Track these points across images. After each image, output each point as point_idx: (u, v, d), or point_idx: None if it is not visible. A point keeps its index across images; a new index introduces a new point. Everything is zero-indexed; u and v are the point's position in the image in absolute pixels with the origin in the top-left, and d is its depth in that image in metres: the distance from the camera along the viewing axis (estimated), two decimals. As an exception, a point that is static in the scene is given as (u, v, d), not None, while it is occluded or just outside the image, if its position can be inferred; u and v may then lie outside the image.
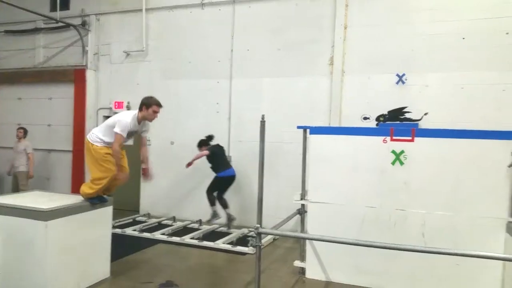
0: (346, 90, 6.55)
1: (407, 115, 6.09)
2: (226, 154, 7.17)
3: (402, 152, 4.29)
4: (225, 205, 6.56)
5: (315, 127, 4.81)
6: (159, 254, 5.46)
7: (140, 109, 4.60)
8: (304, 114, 6.65)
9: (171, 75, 7.73)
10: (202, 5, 7.46)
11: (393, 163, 4.33)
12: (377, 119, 6.27)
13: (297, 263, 4.80)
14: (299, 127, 4.94)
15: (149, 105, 4.57)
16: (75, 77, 8.48)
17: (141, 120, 4.57)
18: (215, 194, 6.54)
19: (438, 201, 4.17)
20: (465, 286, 4.12)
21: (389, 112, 6.20)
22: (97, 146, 4.46)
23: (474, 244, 3.97)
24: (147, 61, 7.95)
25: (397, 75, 6.15)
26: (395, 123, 6.07)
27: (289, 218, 4.61)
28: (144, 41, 7.88)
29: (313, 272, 4.65)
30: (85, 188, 4.39)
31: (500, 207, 4.01)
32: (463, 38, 5.80)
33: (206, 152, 6.52)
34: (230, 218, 6.55)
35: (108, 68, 8.33)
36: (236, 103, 7.24)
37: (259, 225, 3.44)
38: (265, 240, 5.97)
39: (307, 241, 4.70)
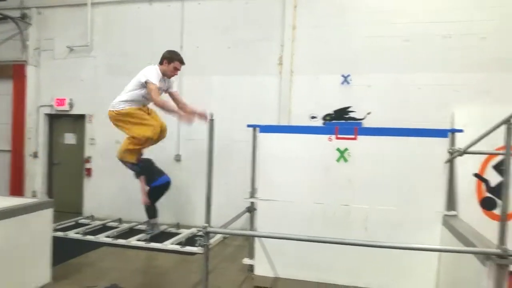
0: (295, 90, 6.66)
1: (351, 115, 6.31)
2: (177, 152, 7.09)
3: (346, 149, 4.44)
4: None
5: (265, 125, 4.84)
6: (104, 257, 5.27)
7: (161, 62, 4.33)
8: (254, 112, 6.69)
9: (118, 72, 7.49)
10: (150, 0, 7.30)
11: (338, 160, 4.47)
12: (324, 118, 6.44)
13: (246, 261, 4.82)
14: (249, 126, 4.96)
15: (171, 60, 4.32)
16: (14, 73, 7.99)
17: (162, 75, 4.37)
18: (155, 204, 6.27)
19: (380, 196, 4.34)
20: (404, 277, 4.32)
21: (335, 111, 6.39)
22: (120, 109, 4.39)
23: (413, 236, 4.17)
24: (92, 56, 7.66)
25: (343, 75, 6.36)
26: (341, 122, 6.27)
27: (239, 216, 4.61)
28: (89, 36, 7.58)
29: (261, 269, 4.69)
30: (127, 155, 4.67)
31: (437, 201, 4.24)
32: (406, 41, 6.10)
33: (143, 182, 6.02)
34: (154, 227, 6.26)
35: (51, 64, 7.93)
36: (185, 101, 7.13)
37: (207, 224, 3.41)
38: (215, 239, 5.94)
39: (256, 238, 4.73)
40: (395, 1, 6.22)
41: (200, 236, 3.43)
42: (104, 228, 6.64)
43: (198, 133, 6.82)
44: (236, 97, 6.88)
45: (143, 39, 7.34)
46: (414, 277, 4.30)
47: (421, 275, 4.27)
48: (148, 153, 6.68)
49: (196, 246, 5.25)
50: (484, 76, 5.81)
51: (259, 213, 4.71)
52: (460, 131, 4.19)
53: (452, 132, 4.21)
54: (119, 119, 4.63)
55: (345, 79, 6.35)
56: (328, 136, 4.51)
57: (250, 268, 4.78)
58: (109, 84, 7.39)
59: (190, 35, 7.12)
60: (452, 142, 4.18)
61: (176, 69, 4.40)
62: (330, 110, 6.46)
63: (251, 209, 4.85)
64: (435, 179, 4.22)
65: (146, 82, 4.23)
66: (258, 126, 4.85)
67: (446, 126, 5.64)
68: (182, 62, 4.37)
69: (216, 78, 7.00)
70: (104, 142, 7.49)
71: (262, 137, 4.74)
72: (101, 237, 5.99)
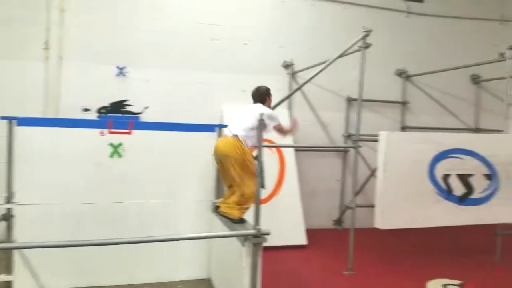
0: (65, 79, 6.03)
1: (128, 108, 6.15)
2: None
3: (120, 144, 4.29)
4: None
5: (24, 118, 4.19)
6: None
7: (265, 100, 4.34)
8: (15, 103, 5.71)
9: None
10: None
11: (111, 156, 4.27)
12: (99, 111, 6.07)
13: (2, 278, 4.10)
14: (3, 118, 4.21)
15: (270, 95, 4.41)
16: None
17: None
18: None
19: (155, 190, 4.38)
20: (181, 266, 4.50)
21: (111, 104, 6.10)
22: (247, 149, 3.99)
23: (186, 226, 4.39)
24: None
25: (118, 67, 6.11)
26: (117, 115, 6.04)
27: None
28: None
29: (23, 284, 4.07)
30: (237, 212, 3.96)
31: (207, 191, 4.57)
32: (179, 38, 6.31)
33: None
34: None
35: None
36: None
37: None
38: (-41, 256, 4.85)
39: (15, 250, 4.08)
40: (170, -3, 6.35)
41: None
42: None
43: None
44: (-10, 84, 5.75)
45: None
46: (189, 265, 4.53)
47: (194, 262, 4.54)
48: None
49: None
50: (246, 77, 6.52)
51: (19, 220, 4.07)
52: (225, 126, 4.61)
53: (219, 127, 4.60)
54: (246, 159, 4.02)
55: (121, 71, 6.12)
56: (100, 130, 4.27)
57: (8, 285, 4.10)
58: None
59: None
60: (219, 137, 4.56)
61: (271, 101, 4.49)
62: (106, 103, 6.13)
63: (7, 217, 4.14)
64: (204, 171, 4.53)
65: (274, 127, 4.23)
66: (15, 118, 4.17)
67: (217, 121, 6.12)
68: None
69: (-42, 60, 5.69)
70: None
71: (21, 131, 4.10)
72: None
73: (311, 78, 4.90)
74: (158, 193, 4.40)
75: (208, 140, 4.50)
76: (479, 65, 6.87)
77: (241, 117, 4.18)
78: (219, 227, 4.07)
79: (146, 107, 6.18)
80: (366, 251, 5.60)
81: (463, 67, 6.94)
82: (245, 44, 6.58)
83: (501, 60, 5.77)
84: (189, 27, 6.36)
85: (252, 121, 3.93)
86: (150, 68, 6.24)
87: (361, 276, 4.80)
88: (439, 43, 7.53)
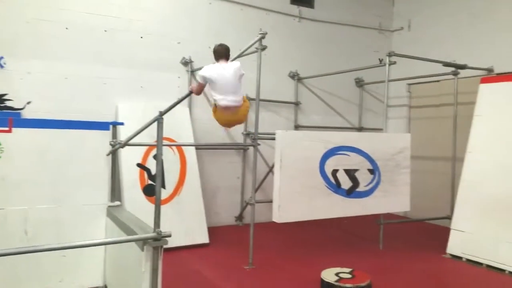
0: None
1: (8, 103, 5.48)
2: None
3: (-1, 144, 3.82)
4: None
5: None
6: None
7: (229, 56, 4.67)
8: None
9: None
10: None
11: (-13, 157, 3.78)
12: (-28, 106, 5.33)
13: None
14: None
15: None
16: None
17: None
18: None
19: (41, 194, 3.97)
20: (72, 275, 4.15)
21: (-14, 99, 5.39)
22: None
23: (79, 232, 4.06)
24: None
25: (-5, 57, 5.44)
26: (-4, 111, 5.36)
27: None
28: None
29: None
30: None
31: (101, 193, 4.28)
32: (67, 28, 5.80)
33: None
34: None
35: None
36: None
37: None
38: None
39: None
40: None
41: None
42: None
43: None
44: None
45: None
46: (82, 274, 4.20)
47: (88, 270, 4.22)
48: None
49: None
50: (143, 72, 6.30)
51: None
52: (121, 124, 4.39)
53: (113, 125, 4.34)
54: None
55: (-2, 62, 5.45)
56: (-25, 128, 3.75)
57: None
58: None
59: None
60: (114, 135, 4.32)
61: None
62: (-18, 97, 5.40)
63: None
64: (97, 172, 4.24)
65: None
66: None
67: (111, 119, 5.77)
68: None
69: None
70: None
71: None
72: None
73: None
74: (44, 198, 4.00)
75: (100, 139, 4.22)
76: (362, 69, 7.57)
77: (230, 83, 4.47)
78: (115, 232, 3.85)
79: (29, 102, 5.57)
80: (266, 245, 5.79)
81: (348, 71, 7.58)
82: (142, 37, 6.30)
83: (381, 66, 6.44)
84: (78, 17, 5.87)
85: (239, 82, 4.55)
86: (32, 59, 5.62)
87: (261, 269, 4.95)
88: (328, 47, 8.10)
